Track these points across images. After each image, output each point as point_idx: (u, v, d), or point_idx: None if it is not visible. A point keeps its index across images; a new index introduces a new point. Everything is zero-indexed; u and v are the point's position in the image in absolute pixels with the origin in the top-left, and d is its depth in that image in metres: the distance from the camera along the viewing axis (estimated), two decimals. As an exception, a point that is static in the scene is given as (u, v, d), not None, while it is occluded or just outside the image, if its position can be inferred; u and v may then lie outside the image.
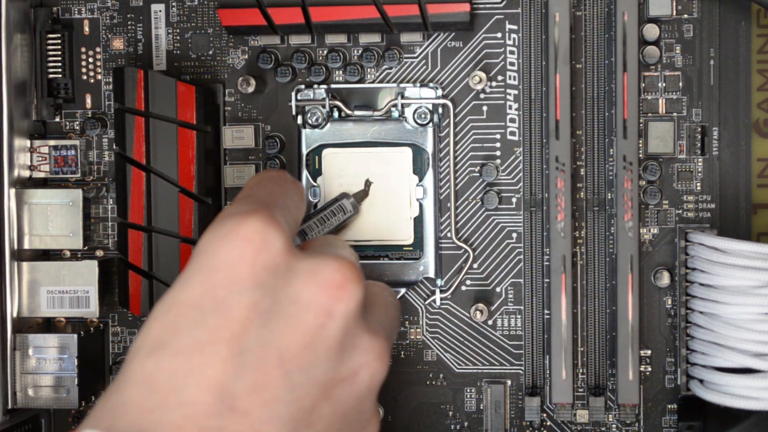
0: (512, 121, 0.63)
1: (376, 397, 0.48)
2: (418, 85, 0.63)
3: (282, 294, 0.43)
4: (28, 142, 0.64)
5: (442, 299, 0.64)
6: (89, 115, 0.65)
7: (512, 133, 0.63)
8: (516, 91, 0.63)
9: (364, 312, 0.47)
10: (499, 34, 0.63)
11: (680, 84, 0.62)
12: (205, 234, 0.45)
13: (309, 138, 0.63)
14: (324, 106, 0.63)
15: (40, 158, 0.64)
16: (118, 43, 0.65)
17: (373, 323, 0.48)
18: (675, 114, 0.62)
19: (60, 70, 0.64)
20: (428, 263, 0.63)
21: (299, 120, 0.63)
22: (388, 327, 0.50)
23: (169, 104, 0.60)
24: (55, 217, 0.63)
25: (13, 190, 0.62)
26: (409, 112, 0.63)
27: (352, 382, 0.45)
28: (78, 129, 0.65)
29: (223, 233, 0.44)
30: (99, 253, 0.65)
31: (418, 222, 0.63)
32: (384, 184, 0.63)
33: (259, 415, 0.41)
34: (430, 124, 0.63)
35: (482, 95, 0.63)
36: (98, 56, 0.65)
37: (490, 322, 0.64)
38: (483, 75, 0.62)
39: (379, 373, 0.47)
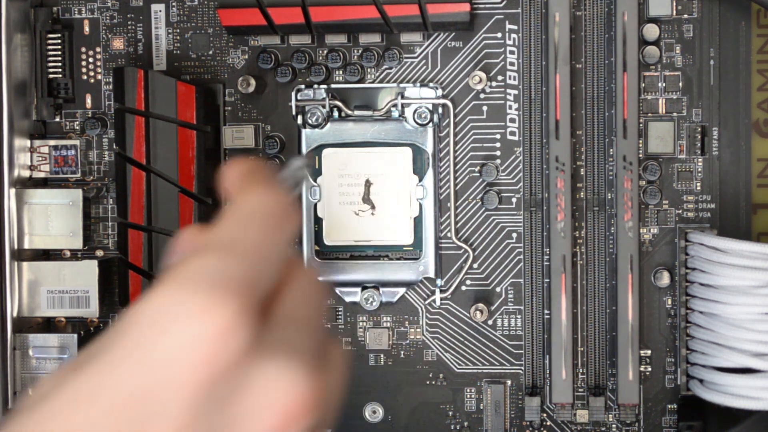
0: (512, 121, 0.63)
1: None
2: (418, 85, 0.63)
3: (228, 405, 0.36)
4: (28, 142, 0.64)
5: (442, 299, 0.64)
6: (89, 115, 0.65)
7: (512, 133, 0.63)
8: (516, 91, 0.63)
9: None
10: (499, 34, 0.63)
11: (680, 84, 0.62)
12: (158, 296, 0.35)
13: (309, 138, 0.63)
14: (324, 106, 0.63)
15: (40, 158, 0.64)
16: (118, 43, 0.65)
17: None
18: (675, 114, 0.62)
19: (60, 70, 0.64)
20: (428, 263, 0.63)
21: (299, 120, 0.63)
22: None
23: (169, 104, 0.60)
24: (55, 217, 0.63)
25: (13, 190, 0.62)
26: (409, 112, 0.63)
27: None
28: (78, 129, 0.65)
29: (181, 314, 0.35)
30: (99, 253, 0.65)
31: (418, 222, 0.63)
32: (384, 184, 0.63)
33: None
34: (430, 124, 0.63)
35: (482, 95, 0.63)
36: (98, 56, 0.65)
37: (490, 322, 0.64)
38: (483, 75, 0.62)
39: None
